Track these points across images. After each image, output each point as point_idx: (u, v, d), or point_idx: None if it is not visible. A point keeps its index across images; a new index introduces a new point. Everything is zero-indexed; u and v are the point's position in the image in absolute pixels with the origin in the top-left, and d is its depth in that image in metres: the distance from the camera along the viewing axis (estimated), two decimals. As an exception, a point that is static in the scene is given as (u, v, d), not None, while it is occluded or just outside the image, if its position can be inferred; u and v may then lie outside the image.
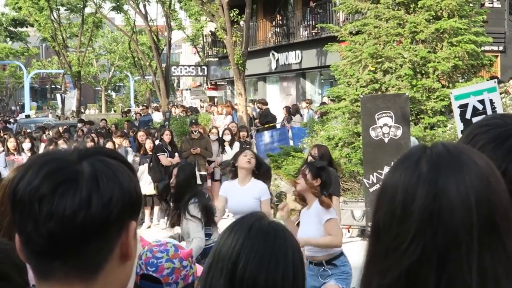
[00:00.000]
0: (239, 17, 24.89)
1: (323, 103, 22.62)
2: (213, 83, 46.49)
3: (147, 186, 14.73)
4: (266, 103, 25.94)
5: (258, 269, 1.98)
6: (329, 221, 6.55)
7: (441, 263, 1.29)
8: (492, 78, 11.89)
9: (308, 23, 30.02)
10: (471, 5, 14.96)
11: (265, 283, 1.97)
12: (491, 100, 7.97)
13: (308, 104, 24.11)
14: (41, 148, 18.11)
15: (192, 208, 6.89)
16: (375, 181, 10.01)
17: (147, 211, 15.38)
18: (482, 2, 18.46)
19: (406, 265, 1.31)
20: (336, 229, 6.65)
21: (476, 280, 1.27)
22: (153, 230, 14.60)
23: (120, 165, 1.45)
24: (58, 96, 55.56)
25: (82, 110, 52.55)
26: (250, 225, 2.09)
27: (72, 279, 1.37)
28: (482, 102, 8.05)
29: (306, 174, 6.70)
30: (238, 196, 7.91)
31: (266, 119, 24.48)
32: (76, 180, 1.37)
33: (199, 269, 3.28)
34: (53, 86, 73.60)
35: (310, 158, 8.97)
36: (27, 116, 42.89)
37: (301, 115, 24.28)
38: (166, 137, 15.56)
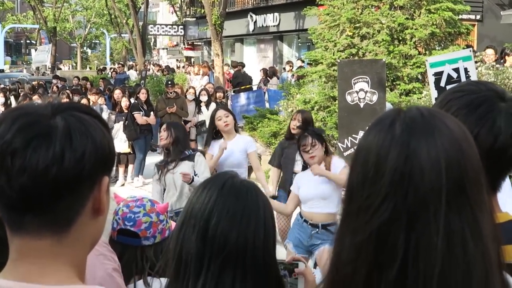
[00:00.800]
0: (217, -24, 24.71)
1: (300, 67, 22.60)
2: (190, 43, 46.18)
3: (122, 144, 14.70)
4: (237, 65, 25.85)
5: (230, 226, 2.01)
6: (345, 168, 6.71)
7: (410, 223, 1.32)
8: (468, 46, 11.93)
9: (287, -15, 29.86)
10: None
11: (236, 240, 1.99)
12: (465, 69, 8.01)
13: (291, 68, 24.07)
14: (13, 103, 17.99)
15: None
16: (349, 145, 10.05)
17: (121, 169, 15.36)
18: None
19: (377, 224, 1.34)
20: None
21: (442, 241, 1.31)
22: (127, 188, 14.60)
23: (94, 121, 1.45)
24: (33, 51, 54.88)
25: (62, 67, 51.97)
26: (223, 182, 2.11)
27: (44, 233, 1.38)
28: (457, 70, 8.09)
29: (316, 145, 6.83)
30: (225, 152, 8.01)
31: (236, 80, 24.42)
32: (49, 134, 1.36)
33: (173, 225, 3.31)
34: (28, 41, 72.68)
35: (292, 124, 9.04)
36: (1, 71, 42.32)
37: (278, 78, 24.25)
38: (142, 95, 15.48)
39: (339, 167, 6.87)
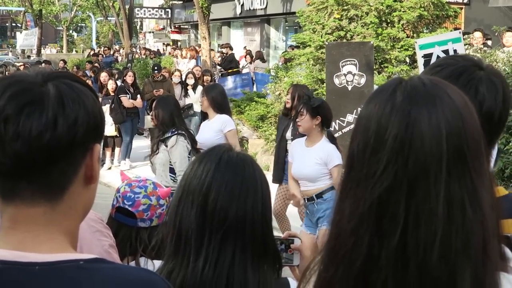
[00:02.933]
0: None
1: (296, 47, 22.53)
2: (176, 26, 45.99)
3: (108, 127, 14.67)
4: (231, 48, 25.80)
5: (229, 200, 2.02)
6: (338, 167, 6.72)
7: (411, 191, 1.32)
8: (456, 29, 11.94)
9: (275, -32, 29.74)
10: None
11: (236, 214, 2.02)
12: (455, 50, 8.01)
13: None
14: None
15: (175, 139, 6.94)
16: (337, 128, 10.05)
17: (108, 152, 15.35)
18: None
19: (378, 192, 1.34)
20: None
21: (442, 208, 1.31)
22: (114, 172, 14.58)
23: (84, 89, 1.46)
24: (18, 34, 54.56)
25: (44, 51, 51.69)
26: (219, 157, 2.11)
27: (38, 199, 1.38)
28: (446, 52, 8.09)
29: (303, 115, 6.82)
30: (202, 130, 8.13)
31: (230, 64, 24.39)
32: (42, 101, 1.37)
33: None
34: (13, 24, 72.23)
35: (286, 98, 9.02)
36: (-14, 54, 42.12)
37: (264, 61, 24.22)
38: (129, 78, 15.44)
39: (330, 158, 6.81)
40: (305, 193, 7.00)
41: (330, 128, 7.35)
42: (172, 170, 6.95)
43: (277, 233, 2.55)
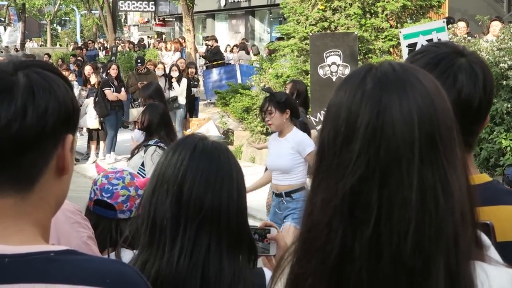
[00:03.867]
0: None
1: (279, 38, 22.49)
2: (161, 19, 45.89)
3: (92, 120, 14.62)
4: (216, 40, 25.76)
5: (204, 189, 2.00)
6: (311, 154, 6.46)
7: (383, 179, 1.30)
8: (447, 19, 11.92)
9: (259, -41, 29.71)
10: None
11: (211, 203, 2.00)
12: (439, 40, 8.01)
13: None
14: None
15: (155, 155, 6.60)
16: (322, 118, 10.05)
17: (92, 146, 15.29)
18: None
19: (350, 182, 1.32)
20: None
21: (415, 196, 1.29)
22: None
23: (56, 78, 1.43)
24: (1, 28, 54.23)
25: (29, 45, 51.43)
26: (194, 145, 2.09)
27: (7, 190, 1.36)
28: (430, 41, 8.09)
29: (272, 112, 6.62)
30: None
31: (214, 57, 24.35)
32: (11, 90, 1.34)
33: None
34: (-4, 18, 71.81)
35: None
36: (-31, 49, 41.86)
37: (248, 53, 24.19)
38: (113, 71, 15.38)
39: (302, 146, 6.70)
40: (276, 187, 6.87)
41: (315, 119, 7.22)
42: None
43: (253, 222, 2.53)
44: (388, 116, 1.31)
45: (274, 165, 6.91)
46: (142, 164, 6.72)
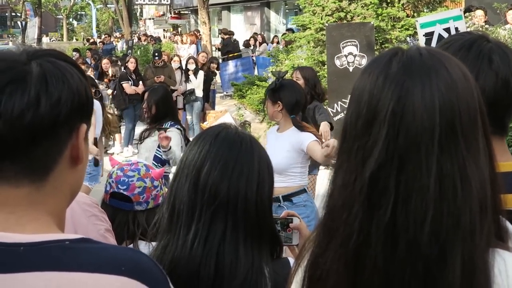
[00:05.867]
0: None
1: (289, 30, 22.40)
2: (176, 12, 45.93)
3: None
4: (227, 33, 25.76)
5: (221, 175, 1.99)
6: (313, 142, 5.64)
7: (401, 165, 1.29)
8: (469, 7, 11.83)
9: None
10: None
11: (227, 190, 1.98)
12: (456, 28, 7.94)
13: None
14: None
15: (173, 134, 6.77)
16: (339, 109, 10.02)
17: (117, 138, 15.33)
18: None
19: (369, 166, 1.31)
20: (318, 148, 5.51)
21: (434, 183, 1.28)
22: (117, 158, 14.55)
23: (70, 67, 1.43)
24: (18, 23, 54.55)
25: (44, 39, 51.67)
26: (217, 133, 2.09)
27: (22, 180, 1.35)
28: (447, 30, 8.02)
29: (266, 101, 5.95)
30: None
31: (226, 49, 24.37)
32: (25, 80, 1.34)
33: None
34: (13, 13, 72.21)
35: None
36: (-13, 44, 42.10)
37: (266, 44, 24.20)
38: (131, 65, 15.38)
39: (301, 141, 5.72)
40: (277, 190, 5.76)
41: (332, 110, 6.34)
42: (156, 158, 6.84)
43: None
44: (409, 102, 1.30)
45: None
46: (159, 146, 6.77)
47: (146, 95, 7.17)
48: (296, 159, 5.76)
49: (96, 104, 7.79)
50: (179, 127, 7.01)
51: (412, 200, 1.29)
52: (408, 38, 13.32)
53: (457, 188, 1.29)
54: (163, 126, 6.88)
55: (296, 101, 5.93)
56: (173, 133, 6.81)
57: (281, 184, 5.70)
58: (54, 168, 1.38)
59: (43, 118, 1.33)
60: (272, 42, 24.78)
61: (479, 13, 12.90)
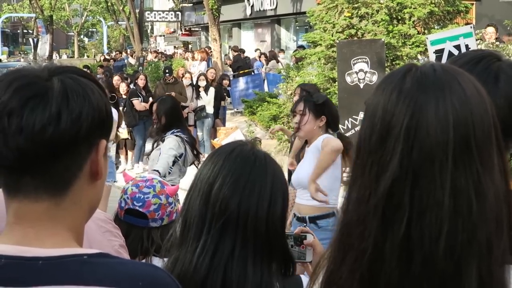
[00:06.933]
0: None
1: (296, 50, 22.48)
2: (187, 29, 46.08)
3: (121, 130, 14.67)
4: (237, 50, 25.84)
5: (232, 191, 1.99)
6: (326, 139, 5.44)
7: (415, 180, 1.30)
8: (467, 24, 11.87)
9: (284, -32, 29.72)
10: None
11: (238, 206, 1.98)
12: (466, 46, 7.95)
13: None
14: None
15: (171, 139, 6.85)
16: (350, 126, 10.02)
17: (122, 156, 15.36)
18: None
19: (383, 181, 1.31)
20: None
21: (448, 198, 1.28)
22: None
23: (90, 83, 1.44)
24: (30, 40, 54.89)
25: (55, 56, 51.97)
26: (232, 149, 2.09)
27: (41, 195, 1.37)
28: (457, 47, 8.03)
29: (305, 114, 5.53)
30: None
31: (236, 65, 24.43)
32: (46, 95, 1.36)
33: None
34: (25, 30, 72.58)
35: (294, 99, 7.79)
36: (-1, 61, 42.34)
37: (277, 61, 24.22)
38: (141, 81, 15.45)
39: (318, 142, 5.49)
40: (298, 208, 5.56)
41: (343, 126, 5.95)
42: None
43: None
44: (423, 117, 1.30)
45: (295, 180, 5.70)
46: None
47: (154, 106, 7.22)
48: (327, 174, 5.38)
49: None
50: (178, 134, 6.97)
51: (427, 216, 1.29)
52: (418, 55, 13.34)
53: (472, 203, 1.29)
54: (166, 136, 6.93)
55: (338, 117, 5.86)
56: (168, 139, 6.86)
57: (307, 202, 5.44)
58: (73, 183, 1.40)
59: (64, 134, 1.35)
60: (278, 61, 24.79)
61: (490, 30, 12.90)
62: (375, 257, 1.33)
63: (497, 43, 11.95)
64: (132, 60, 32.69)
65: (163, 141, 6.91)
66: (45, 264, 1.32)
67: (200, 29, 43.83)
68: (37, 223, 1.37)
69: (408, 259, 1.30)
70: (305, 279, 2.13)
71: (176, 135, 6.92)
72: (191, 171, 6.42)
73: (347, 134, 9.99)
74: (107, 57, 35.63)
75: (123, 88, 15.39)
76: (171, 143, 6.83)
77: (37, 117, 1.33)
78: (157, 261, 3.00)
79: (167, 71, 16.49)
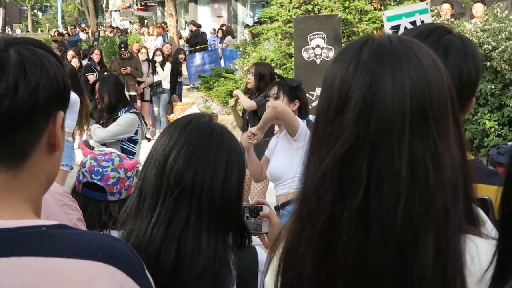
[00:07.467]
0: None
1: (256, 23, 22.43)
2: (143, 4, 45.66)
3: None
4: (197, 25, 25.70)
5: (187, 163, 1.99)
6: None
7: (373, 150, 1.31)
8: (421, 1, 11.96)
9: None
10: None
11: (193, 178, 1.97)
12: (422, 22, 8.02)
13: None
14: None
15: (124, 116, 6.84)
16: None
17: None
18: None
19: (341, 151, 1.32)
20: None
21: (405, 168, 1.29)
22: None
23: (48, 55, 1.43)
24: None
25: (8, 31, 51.12)
26: (188, 121, 2.08)
27: None
28: (413, 23, 8.10)
29: (280, 97, 5.51)
30: None
31: (195, 40, 24.30)
32: (3, 66, 1.34)
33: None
34: (-24, 4, 71.24)
35: (248, 77, 8.21)
36: (-50, 35, 41.52)
37: (233, 37, 24.16)
38: (95, 56, 15.30)
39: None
40: (279, 200, 5.36)
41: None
42: (124, 150, 6.74)
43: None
44: (380, 89, 1.31)
45: (270, 172, 5.46)
46: (127, 139, 6.91)
47: (97, 85, 7.09)
48: (291, 159, 5.13)
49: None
50: (134, 110, 7.03)
51: (385, 185, 1.30)
52: (375, 31, 13.41)
53: (430, 173, 1.30)
54: (119, 115, 6.87)
55: (307, 103, 5.81)
56: (125, 116, 6.85)
57: (282, 190, 5.32)
58: (31, 155, 1.38)
59: (21, 105, 1.33)
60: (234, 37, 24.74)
61: (446, 6, 13.02)
62: (333, 227, 1.34)
63: (452, 19, 12.06)
64: (83, 36, 32.31)
65: (115, 120, 6.84)
66: (3, 236, 1.30)
67: (156, 4, 43.44)
68: None
69: (366, 229, 1.32)
70: (260, 250, 2.15)
71: (134, 112, 6.93)
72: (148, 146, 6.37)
73: (304, 110, 10.02)
74: (61, 31, 35.20)
75: (75, 63, 15.20)
76: (127, 122, 6.82)
77: None
78: (115, 235, 2.99)
79: (122, 45, 16.32)
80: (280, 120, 5.16)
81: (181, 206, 1.98)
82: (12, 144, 1.35)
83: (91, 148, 6.41)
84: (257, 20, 23.93)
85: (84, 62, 16.02)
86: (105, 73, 14.85)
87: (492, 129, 9.62)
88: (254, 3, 32.15)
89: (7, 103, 1.32)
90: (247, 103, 7.59)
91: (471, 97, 2.04)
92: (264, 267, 1.63)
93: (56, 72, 1.41)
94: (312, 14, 13.45)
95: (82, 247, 1.32)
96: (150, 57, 16.20)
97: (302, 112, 5.62)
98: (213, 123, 2.11)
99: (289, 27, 13.35)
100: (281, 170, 5.28)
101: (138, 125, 6.94)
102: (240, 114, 8.25)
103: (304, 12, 13.64)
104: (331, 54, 10.08)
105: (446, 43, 1.98)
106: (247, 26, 25.65)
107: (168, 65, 15.72)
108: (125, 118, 6.83)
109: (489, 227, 1.50)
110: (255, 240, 2.32)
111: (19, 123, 1.34)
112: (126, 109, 6.92)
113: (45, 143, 1.41)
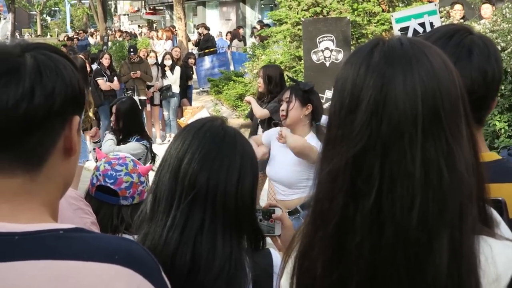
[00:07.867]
0: None
1: (262, 28, 22.43)
2: (151, 7, 45.72)
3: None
4: (207, 28, 25.71)
5: (201, 166, 2.00)
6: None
7: (385, 152, 1.32)
8: (430, 2, 11.95)
9: None
10: None
11: (207, 181, 1.99)
12: (431, 23, 8.03)
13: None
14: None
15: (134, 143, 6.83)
16: (316, 104, 10.05)
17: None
18: None
19: (353, 152, 1.34)
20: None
21: (419, 169, 1.30)
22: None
23: (63, 59, 1.45)
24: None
25: (17, 36, 51.28)
26: (202, 125, 2.10)
27: (15, 170, 1.37)
28: (422, 25, 8.11)
29: (292, 101, 5.41)
30: None
31: (206, 44, 24.30)
32: (19, 71, 1.36)
33: None
34: (-15, 10, 71.46)
35: (258, 81, 8.14)
36: (-41, 41, 41.66)
37: (240, 40, 24.16)
38: (105, 61, 15.28)
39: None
40: (285, 204, 5.16)
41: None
42: None
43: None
44: (391, 90, 1.32)
45: (275, 176, 5.61)
46: None
47: (114, 108, 7.10)
48: (308, 172, 5.20)
49: None
50: (144, 142, 6.97)
51: (398, 188, 1.31)
52: (383, 33, 13.41)
53: (443, 174, 1.31)
54: (131, 141, 6.90)
55: (322, 106, 5.71)
56: (131, 144, 6.84)
57: (294, 196, 5.35)
58: (47, 159, 1.40)
59: (38, 109, 1.35)
60: (241, 40, 24.73)
61: (458, 7, 12.98)
62: (345, 228, 1.35)
63: (462, 20, 12.03)
64: (91, 40, 32.39)
65: (125, 143, 6.87)
66: (21, 239, 1.32)
67: (164, 8, 43.50)
68: (12, 198, 1.38)
69: (379, 230, 1.32)
70: (274, 252, 2.15)
71: (142, 143, 6.91)
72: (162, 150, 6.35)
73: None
74: (70, 36, 35.30)
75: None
76: (134, 148, 6.77)
77: (11, 93, 1.33)
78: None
79: (131, 50, 16.34)
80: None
81: (195, 209, 1.99)
82: (29, 148, 1.37)
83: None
84: (259, 19, 23.90)
85: (93, 66, 16.01)
86: (115, 77, 14.88)
87: (503, 130, 9.58)
88: (262, 6, 32.15)
89: (24, 107, 1.33)
90: (259, 112, 7.63)
91: (495, 97, 2.05)
92: (279, 270, 1.63)
93: (72, 76, 1.43)
94: (320, 16, 13.44)
95: (99, 250, 1.34)
96: (160, 61, 16.22)
97: (315, 117, 5.51)
98: (226, 126, 2.13)
99: (298, 29, 13.35)
100: (296, 180, 5.32)
101: (143, 155, 6.89)
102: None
103: (312, 15, 13.64)
104: (340, 56, 10.06)
105: (469, 44, 1.98)
106: (253, 31, 25.64)
107: (177, 69, 15.72)
108: (133, 145, 6.81)
109: (503, 228, 1.50)
110: (267, 241, 2.33)
111: (36, 127, 1.36)
112: (138, 137, 6.90)
113: (61, 147, 1.43)
